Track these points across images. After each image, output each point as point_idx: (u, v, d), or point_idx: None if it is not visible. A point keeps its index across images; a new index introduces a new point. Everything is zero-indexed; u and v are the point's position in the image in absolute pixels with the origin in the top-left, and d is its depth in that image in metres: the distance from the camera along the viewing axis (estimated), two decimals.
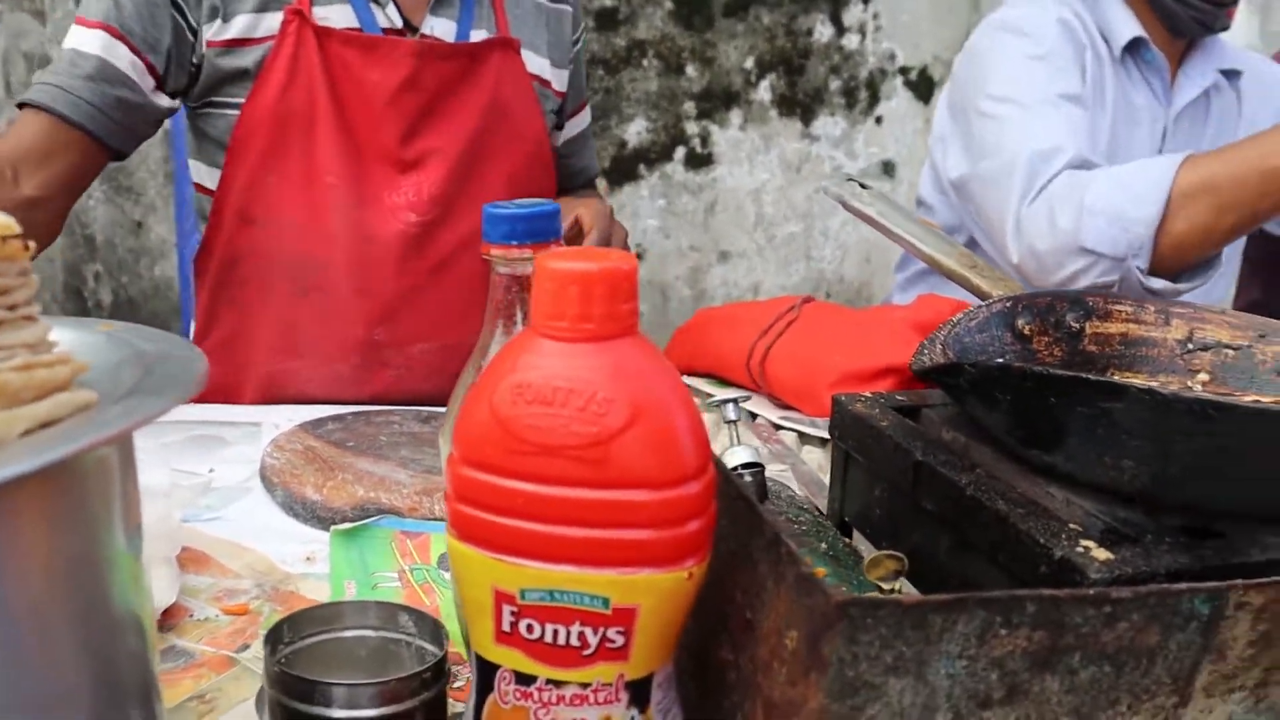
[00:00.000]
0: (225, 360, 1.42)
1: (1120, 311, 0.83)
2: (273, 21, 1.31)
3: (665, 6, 3.19)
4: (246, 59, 1.32)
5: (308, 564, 0.95)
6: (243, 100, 1.32)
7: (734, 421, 0.71)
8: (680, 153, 3.28)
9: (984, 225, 1.48)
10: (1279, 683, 0.54)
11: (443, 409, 1.13)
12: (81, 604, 0.49)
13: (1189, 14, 1.50)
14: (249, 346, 1.42)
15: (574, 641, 0.49)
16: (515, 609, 0.49)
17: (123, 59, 1.29)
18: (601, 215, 1.32)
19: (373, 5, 1.35)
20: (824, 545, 0.66)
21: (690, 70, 3.24)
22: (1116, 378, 0.81)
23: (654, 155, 3.27)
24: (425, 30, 1.38)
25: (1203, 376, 0.82)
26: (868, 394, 0.76)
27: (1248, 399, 0.69)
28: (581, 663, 0.49)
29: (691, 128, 3.28)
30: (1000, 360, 0.66)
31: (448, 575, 0.88)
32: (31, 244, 0.48)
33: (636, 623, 0.49)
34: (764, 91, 3.30)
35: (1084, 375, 0.58)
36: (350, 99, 1.32)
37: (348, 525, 0.96)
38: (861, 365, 1.12)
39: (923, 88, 3.43)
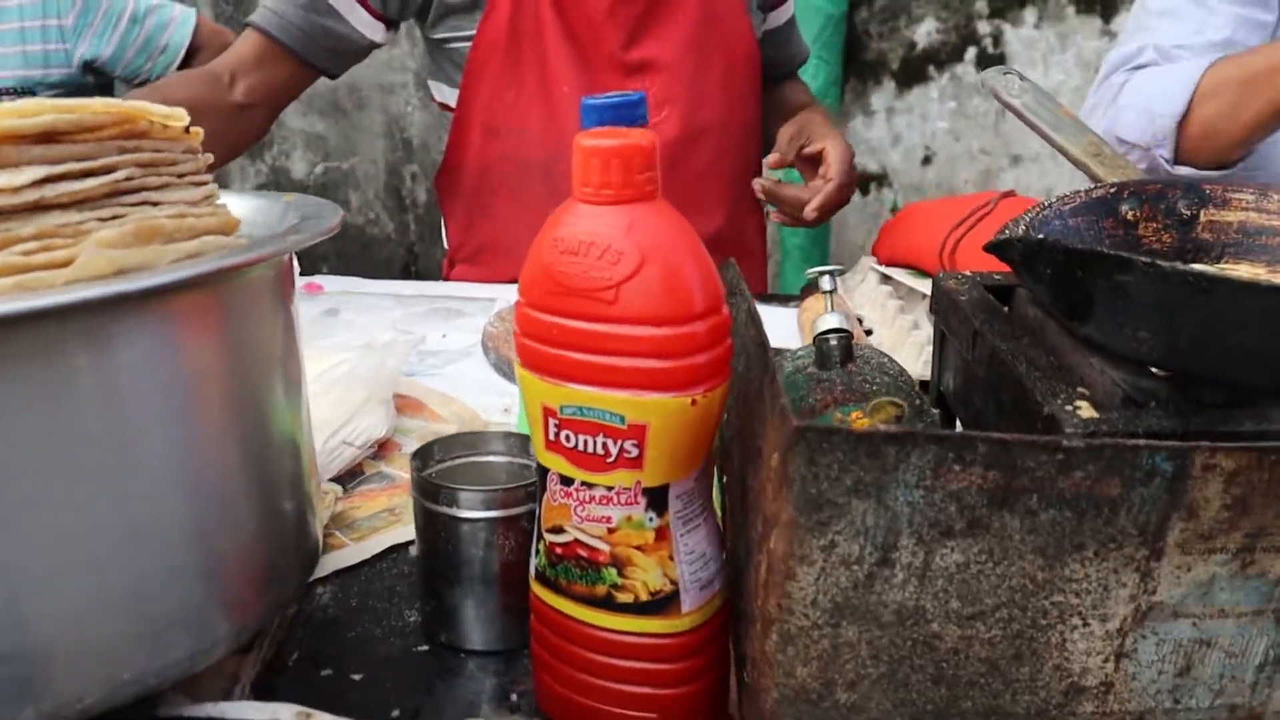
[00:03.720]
0: (483, 265, 1.60)
1: (1239, 200, 0.84)
2: None
3: None
4: None
5: (504, 414, 1.10)
6: (473, 31, 1.47)
7: (830, 292, 0.78)
8: (971, 53, 3.24)
9: None
10: (1267, 550, 0.58)
11: None
12: (240, 412, 0.64)
13: None
14: (507, 252, 1.58)
15: (599, 450, 0.60)
16: (557, 422, 0.61)
17: None
18: (844, 161, 1.43)
19: None
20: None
21: None
22: (1229, 266, 0.83)
23: (944, 56, 3.23)
24: None
25: None
26: (967, 272, 0.82)
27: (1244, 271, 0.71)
28: (605, 468, 0.60)
29: (984, 27, 3.22)
30: (1040, 236, 0.71)
31: None
32: (197, 129, 0.62)
33: (648, 438, 0.59)
34: None
35: (1101, 250, 0.62)
36: (573, 14, 1.45)
37: None
38: None
39: None
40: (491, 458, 0.82)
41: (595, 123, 0.69)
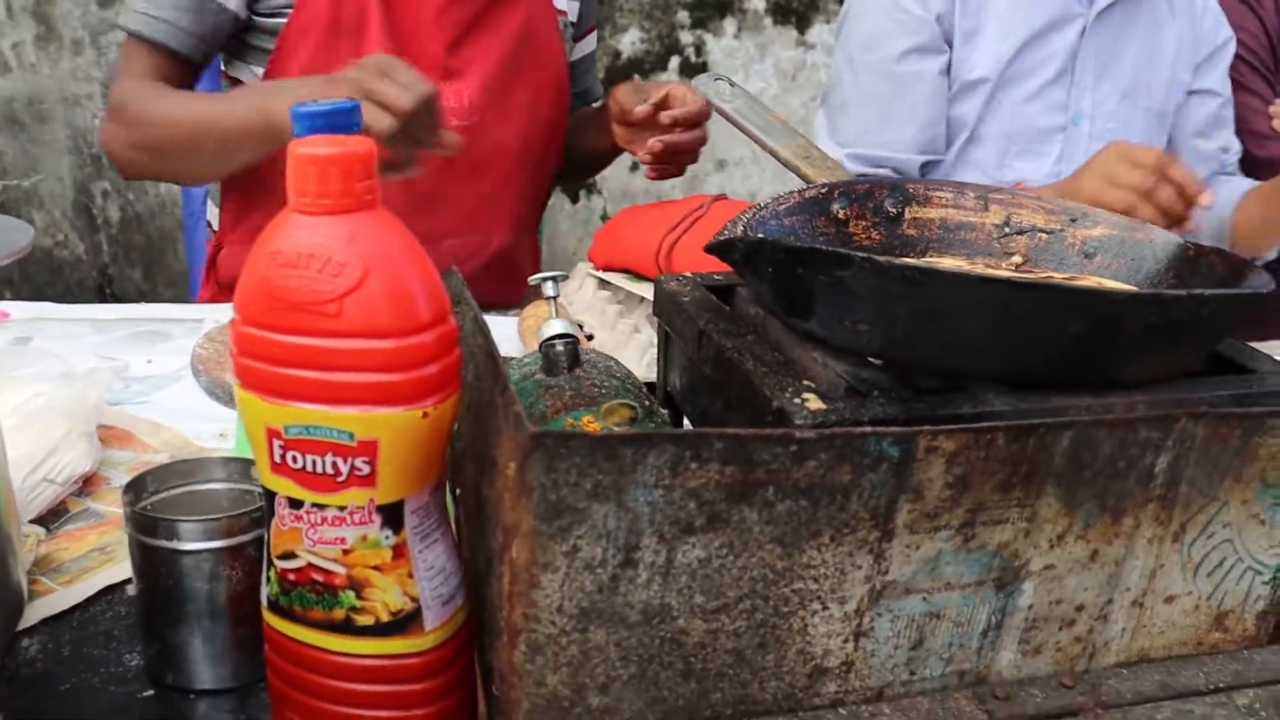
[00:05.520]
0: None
1: (940, 197, 0.89)
2: None
3: None
4: None
5: (220, 440, 1.04)
6: (290, 7, 1.42)
7: (553, 298, 0.78)
8: (675, 62, 3.32)
9: None
10: (985, 523, 0.61)
11: None
12: None
13: None
14: None
15: (329, 470, 0.57)
16: (283, 443, 0.58)
17: None
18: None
19: None
20: None
21: None
22: (933, 260, 0.87)
23: (648, 65, 3.31)
24: None
25: (1016, 259, 0.88)
26: (686, 274, 0.84)
27: (1002, 271, 0.75)
28: (336, 488, 0.58)
29: (686, 37, 3.31)
30: (759, 236, 0.73)
31: None
32: None
33: (379, 454, 0.57)
34: None
35: (820, 247, 0.65)
36: (401, 11, 1.42)
37: None
38: None
39: None
40: (210, 485, 0.77)
41: (307, 131, 0.66)
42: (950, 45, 1.64)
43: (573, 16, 1.63)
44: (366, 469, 0.57)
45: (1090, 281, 0.80)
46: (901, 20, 1.62)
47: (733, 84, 1.01)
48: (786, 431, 0.56)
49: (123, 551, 0.85)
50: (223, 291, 1.59)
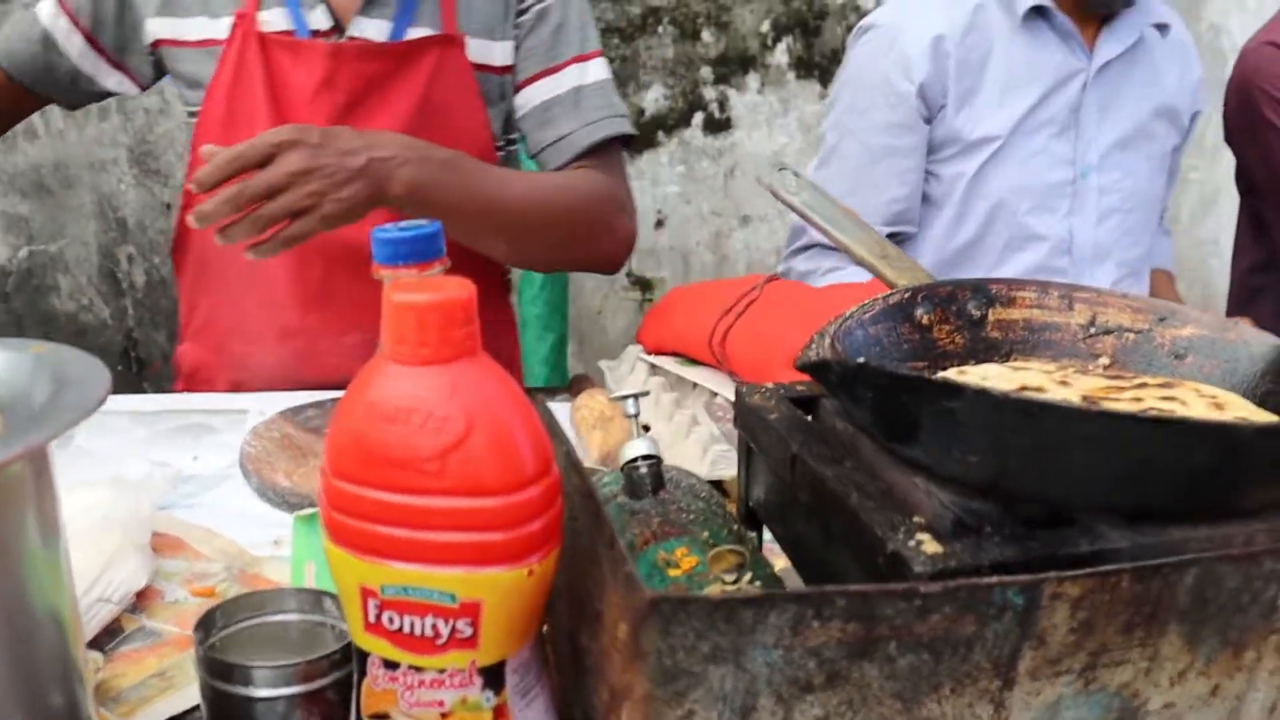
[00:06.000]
0: (203, 344, 1.53)
1: (1023, 297, 0.86)
2: (222, 27, 1.40)
3: None
4: (201, 64, 1.42)
5: (275, 547, 1.01)
6: (198, 106, 1.43)
7: (634, 415, 0.75)
8: (698, 118, 3.30)
9: None
10: (1107, 665, 0.58)
11: None
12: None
13: None
14: (225, 332, 1.50)
15: (428, 632, 0.54)
16: (378, 603, 0.55)
17: (61, 30, 1.45)
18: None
19: (303, 8, 1.40)
20: (706, 534, 0.71)
21: (706, 35, 3.25)
22: (1018, 364, 0.84)
23: (672, 122, 3.29)
24: (354, 32, 1.41)
25: (1103, 360, 0.85)
26: (768, 385, 0.81)
27: (1075, 398, 0.72)
28: (436, 650, 0.55)
29: (709, 93, 3.30)
30: (861, 359, 0.70)
31: None
32: None
33: (482, 615, 0.54)
34: (780, 54, 3.31)
35: (925, 376, 0.62)
36: (282, 100, 1.39)
37: (309, 510, 1.02)
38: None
39: None
40: (282, 617, 0.74)
41: (388, 258, 0.64)
42: (936, 113, 1.67)
43: (502, 60, 1.48)
44: (469, 630, 0.54)
45: (1191, 392, 0.77)
46: (886, 94, 1.66)
47: (798, 175, 0.98)
48: (911, 586, 0.53)
49: (183, 677, 0.82)
50: (189, 386, 1.56)
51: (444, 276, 0.55)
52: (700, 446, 1.11)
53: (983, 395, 0.60)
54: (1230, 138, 2.04)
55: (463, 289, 0.53)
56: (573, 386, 1.36)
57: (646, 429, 1.23)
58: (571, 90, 1.50)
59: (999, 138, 1.65)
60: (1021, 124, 1.65)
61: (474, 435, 0.52)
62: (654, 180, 3.31)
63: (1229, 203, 3.27)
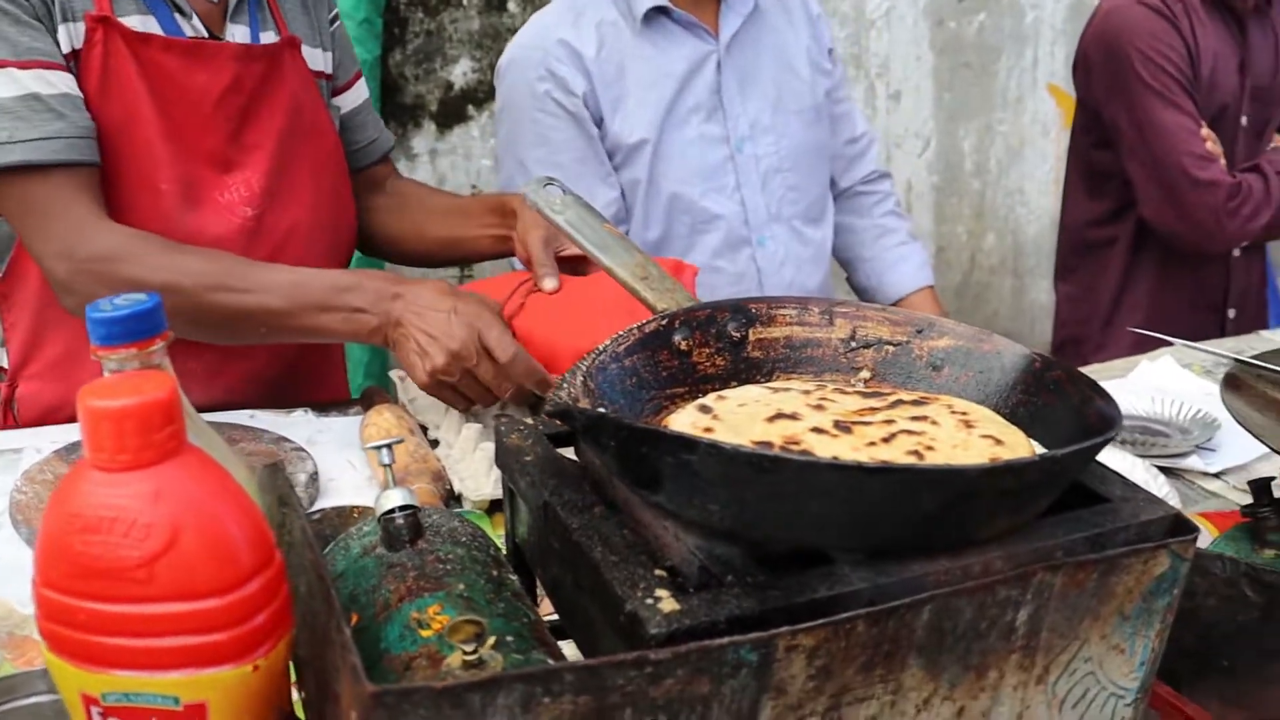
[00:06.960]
0: (61, 380, 1.41)
1: (783, 315, 0.86)
2: (75, 31, 1.28)
3: None
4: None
5: None
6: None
7: (389, 465, 0.74)
8: None
9: None
10: (850, 703, 0.59)
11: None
12: None
13: None
14: (83, 365, 1.38)
15: None
16: (101, 710, 0.53)
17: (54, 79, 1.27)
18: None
19: (177, 16, 1.34)
20: (461, 585, 0.70)
21: (512, 6, 3.22)
22: (780, 382, 0.85)
23: (482, 95, 3.25)
24: (228, 38, 1.39)
25: (864, 374, 0.87)
26: (528, 422, 0.80)
27: (828, 423, 0.73)
28: None
29: None
30: (601, 410, 0.70)
31: None
32: None
33: (209, 715, 0.53)
34: None
35: (661, 429, 0.62)
36: (175, 106, 1.32)
37: None
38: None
39: None
40: (35, 699, 0.72)
41: (104, 339, 0.61)
42: (599, 124, 1.75)
43: (326, 69, 1.55)
44: None
45: (944, 409, 0.78)
46: (557, 114, 1.73)
47: (565, 190, 0.97)
48: (641, 655, 0.54)
49: None
50: (50, 418, 1.45)
51: (142, 373, 0.53)
52: (487, 462, 1.11)
53: (715, 449, 0.61)
54: (1090, 91, 2.06)
55: (162, 387, 0.51)
56: (364, 400, 1.34)
57: (435, 444, 1.22)
58: (366, 100, 1.65)
59: (650, 138, 1.74)
60: (668, 119, 1.75)
61: (182, 539, 0.50)
62: (466, 154, 3.27)
63: (1034, 153, 3.40)
